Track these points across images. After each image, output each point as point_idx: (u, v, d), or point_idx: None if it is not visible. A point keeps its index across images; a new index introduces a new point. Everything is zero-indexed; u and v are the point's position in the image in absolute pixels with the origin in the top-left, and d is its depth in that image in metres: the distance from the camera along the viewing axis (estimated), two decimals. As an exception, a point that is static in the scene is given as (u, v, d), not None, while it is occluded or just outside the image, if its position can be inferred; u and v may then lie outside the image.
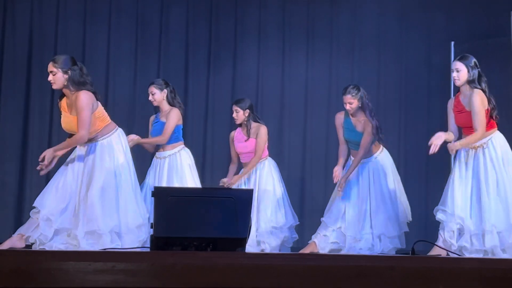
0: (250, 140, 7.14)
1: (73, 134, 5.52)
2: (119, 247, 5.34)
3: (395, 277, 3.40)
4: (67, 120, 5.55)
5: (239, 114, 7.14)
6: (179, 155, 6.72)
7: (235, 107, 7.17)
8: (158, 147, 6.76)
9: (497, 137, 5.89)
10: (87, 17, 8.47)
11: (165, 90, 6.70)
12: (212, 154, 8.72)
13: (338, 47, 8.97)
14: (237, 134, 7.22)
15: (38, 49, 8.32)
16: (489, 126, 5.85)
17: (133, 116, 8.37)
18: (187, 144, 6.93)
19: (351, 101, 6.68)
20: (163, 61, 8.67)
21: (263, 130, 7.13)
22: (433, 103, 8.81)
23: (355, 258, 3.82)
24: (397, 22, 8.99)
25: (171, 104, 6.75)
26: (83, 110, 5.42)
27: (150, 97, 6.72)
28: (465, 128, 5.90)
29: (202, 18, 8.81)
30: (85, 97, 5.44)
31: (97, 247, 5.25)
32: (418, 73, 8.95)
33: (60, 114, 5.66)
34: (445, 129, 6.17)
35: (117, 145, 5.64)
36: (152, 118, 6.87)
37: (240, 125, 7.18)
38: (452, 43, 8.44)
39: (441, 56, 8.75)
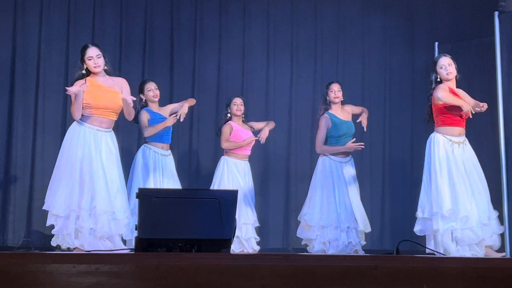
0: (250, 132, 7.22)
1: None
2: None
3: (379, 277, 3.41)
4: (116, 96, 5.82)
5: (243, 108, 7.18)
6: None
7: (240, 100, 7.21)
8: (154, 142, 6.72)
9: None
10: (71, 19, 8.37)
11: None
12: (198, 158, 8.65)
13: (322, 48, 8.96)
14: (237, 126, 7.19)
15: (21, 51, 8.24)
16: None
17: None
18: (173, 147, 6.91)
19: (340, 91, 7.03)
20: (148, 60, 8.60)
21: None
22: (417, 103, 8.81)
23: (339, 258, 3.83)
24: (381, 22, 8.99)
25: None
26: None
27: (156, 93, 6.78)
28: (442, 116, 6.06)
29: (185, 16, 8.74)
30: None
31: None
32: (402, 74, 8.96)
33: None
34: (429, 130, 6.22)
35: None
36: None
37: (230, 118, 7.18)
38: (436, 43, 8.45)
39: (425, 56, 8.76)
